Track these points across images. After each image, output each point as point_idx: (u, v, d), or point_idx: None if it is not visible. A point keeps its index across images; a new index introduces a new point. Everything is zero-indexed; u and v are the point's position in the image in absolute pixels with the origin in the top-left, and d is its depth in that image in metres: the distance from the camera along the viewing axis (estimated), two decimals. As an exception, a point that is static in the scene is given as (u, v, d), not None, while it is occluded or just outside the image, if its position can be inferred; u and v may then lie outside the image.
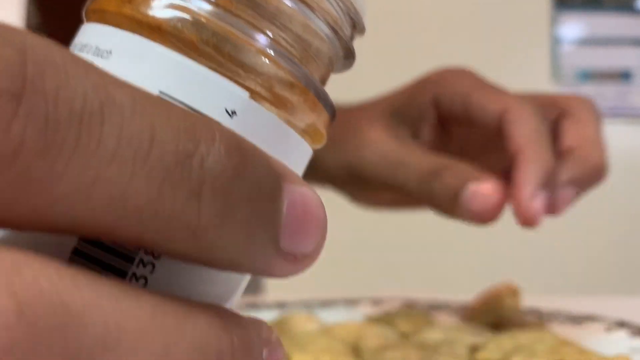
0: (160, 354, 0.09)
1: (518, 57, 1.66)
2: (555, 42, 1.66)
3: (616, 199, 1.65)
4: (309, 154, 0.14)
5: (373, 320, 0.41)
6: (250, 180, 0.10)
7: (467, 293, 0.51)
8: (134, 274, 0.11)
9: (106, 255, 0.11)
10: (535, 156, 0.32)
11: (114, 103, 0.09)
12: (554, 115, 0.37)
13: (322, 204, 0.11)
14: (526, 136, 0.33)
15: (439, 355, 0.33)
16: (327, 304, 0.46)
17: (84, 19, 0.13)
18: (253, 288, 0.32)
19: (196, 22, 0.12)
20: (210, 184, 0.10)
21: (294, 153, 0.13)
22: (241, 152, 0.10)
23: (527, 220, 0.32)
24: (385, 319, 0.41)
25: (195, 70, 0.12)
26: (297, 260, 0.11)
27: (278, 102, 0.12)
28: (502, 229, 1.57)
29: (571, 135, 0.35)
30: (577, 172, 0.34)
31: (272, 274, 0.11)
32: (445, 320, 0.43)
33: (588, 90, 1.65)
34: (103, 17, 0.12)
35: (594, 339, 0.37)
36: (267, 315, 0.44)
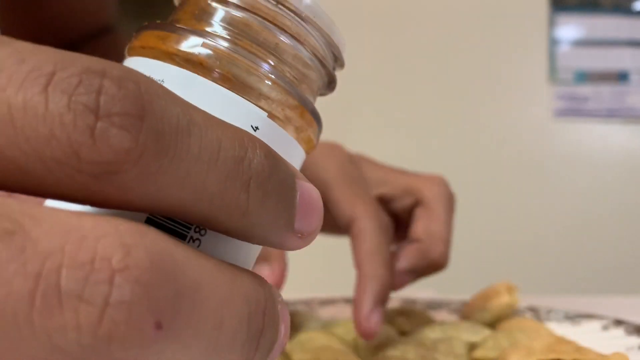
0: (224, 300, 0.12)
1: (516, 59, 1.66)
2: (552, 43, 1.67)
3: (613, 198, 1.65)
4: (304, 157, 0.18)
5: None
6: (279, 177, 0.14)
7: (466, 292, 0.51)
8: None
9: (168, 228, 0.14)
10: (373, 273, 0.34)
11: (195, 122, 0.12)
12: (410, 201, 0.40)
13: (320, 196, 0.15)
14: (366, 253, 0.35)
15: (437, 353, 0.33)
16: (327, 303, 0.47)
17: (127, 54, 0.16)
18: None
19: (226, 58, 0.15)
20: (255, 179, 0.13)
21: (295, 157, 0.17)
22: (273, 157, 0.14)
23: (365, 335, 0.34)
24: (385, 318, 0.41)
25: (227, 96, 0.15)
26: (304, 237, 0.15)
27: (286, 120, 0.16)
28: (501, 228, 1.57)
29: (419, 227, 0.38)
30: (415, 263, 0.37)
31: (287, 247, 0.15)
32: (444, 319, 0.44)
33: (585, 91, 1.66)
34: (150, 53, 0.16)
35: (591, 337, 0.37)
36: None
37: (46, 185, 0.11)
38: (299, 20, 0.16)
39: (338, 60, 0.18)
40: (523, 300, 0.44)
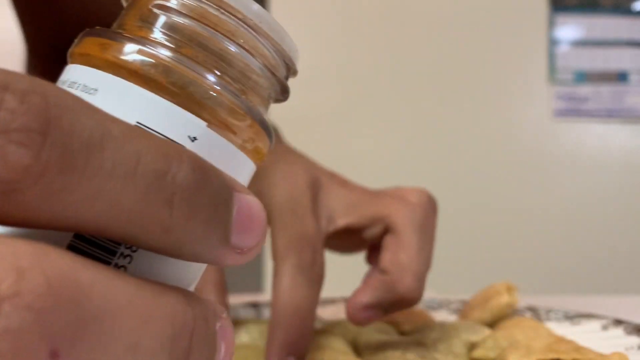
0: (141, 322, 0.12)
1: (515, 59, 1.66)
2: (552, 43, 1.67)
3: (612, 198, 1.65)
4: (253, 169, 0.17)
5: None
6: (209, 191, 0.13)
7: (465, 292, 0.51)
8: (116, 264, 0.13)
9: (94, 249, 0.13)
10: (279, 320, 0.32)
11: (110, 135, 0.12)
12: (379, 229, 0.35)
13: (263, 209, 0.15)
14: (277, 299, 0.32)
15: (437, 353, 0.33)
16: (327, 302, 0.47)
17: (69, 59, 0.16)
18: (254, 287, 0.34)
19: (164, 67, 0.15)
20: (179, 194, 0.13)
21: (241, 169, 0.16)
22: (202, 170, 0.13)
23: None
24: (384, 317, 0.41)
25: (164, 105, 0.15)
26: (243, 253, 0.14)
27: (228, 129, 0.15)
28: (501, 229, 1.58)
29: (386, 258, 0.34)
30: (379, 297, 0.33)
31: (224, 263, 0.14)
32: (444, 318, 0.44)
33: (585, 91, 1.66)
34: (88, 60, 0.15)
35: (591, 336, 0.37)
36: (268, 314, 0.44)
37: None
38: (246, 27, 0.16)
39: (291, 69, 0.18)
40: (522, 300, 0.44)
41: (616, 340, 0.36)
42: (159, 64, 0.15)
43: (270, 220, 0.34)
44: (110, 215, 0.12)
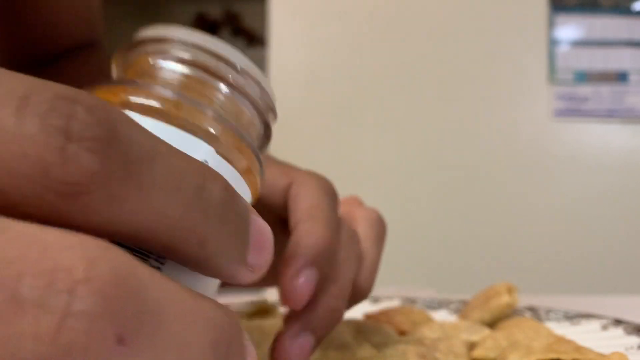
0: (190, 322, 0.12)
1: (515, 59, 1.66)
2: (552, 43, 1.67)
3: (612, 198, 1.65)
4: (250, 199, 0.19)
5: (372, 318, 0.41)
6: (234, 209, 0.15)
7: (466, 292, 0.51)
8: None
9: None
10: (309, 230, 0.26)
11: (159, 151, 0.13)
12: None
13: (272, 233, 0.16)
14: (301, 212, 0.28)
15: (437, 353, 0.33)
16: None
17: None
18: (255, 288, 0.31)
19: (179, 106, 0.17)
20: (213, 209, 0.14)
21: (244, 194, 0.18)
22: (229, 190, 0.15)
23: (285, 300, 0.25)
24: (384, 317, 0.41)
25: (181, 135, 0.17)
26: (254, 271, 0.15)
27: (233, 158, 0.17)
28: (501, 229, 1.57)
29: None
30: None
31: (238, 280, 0.15)
32: (444, 318, 0.44)
33: (585, 91, 1.66)
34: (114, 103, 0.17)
35: (591, 336, 0.37)
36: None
37: (13, 202, 0.12)
38: (236, 73, 0.18)
39: (272, 111, 0.20)
40: (522, 300, 0.44)
41: (616, 340, 0.36)
42: (170, 101, 0.17)
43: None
44: (157, 224, 0.13)
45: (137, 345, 0.11)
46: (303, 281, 0.25)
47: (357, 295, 0.30)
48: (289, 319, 0.26)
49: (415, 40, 1.66)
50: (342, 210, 0.32)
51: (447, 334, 0.37)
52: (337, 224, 0.28)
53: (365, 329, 0.37)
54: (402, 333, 0.39)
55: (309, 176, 0.30)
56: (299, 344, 0.25)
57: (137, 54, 0.18)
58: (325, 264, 0.26)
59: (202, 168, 0.14)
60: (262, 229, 0.15)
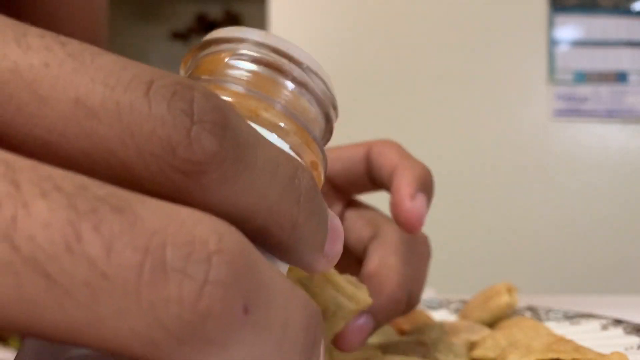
0: (287, 304, 0.13)
1: (515, 59, 1.67)
2: (551, 43, 1.67)
3: (612, 198, 1.66)
4: None
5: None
6: (318, 199, 0.15)
7: (466, 292, 0.52)
8: None
9: None
10: (413, 165, 0.31)
11: (260, 138, 0.14)
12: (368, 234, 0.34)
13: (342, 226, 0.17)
14: (399, 157, 0.32)
15: (437, 352, 0.33)
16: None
17: None
18: None
19: (247, 99, 0.17)
20: (304, 196, 0.15)
21: None
22: (314, 180, 0.15)
23: (408, 224, 0.29)
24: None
25: (257, 129, 0.17)
26: (328, 260, 0.16)
27: (301, 151, 0.18)
28: (500, 229, 1.58)
29: (374, 259, 0.31)
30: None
31: (315, 267, 0.16)
32: (444, 318, 0.44)
33: (584, 91, 1.66)
34: None
35: (590, 336, 0.37)
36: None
37: (139, 178, 0.12)
38: (302, 70, 0.19)
39: (335, 109, 0.21)
40: (522, 300, 0.44)
41: (616, 340, 0.36)
42: (240, 96, 0.17)
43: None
44: (257, 206, 0.14)
45: (257, 315, 0.12)
46: (419, 205, 0.29)
47: (410, 303, 0.32)
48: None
49: (415, 40, 1.66)
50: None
51: (447, 333, 0.37)
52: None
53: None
54: (402, 333, 0.39)
55: (412, 164, 0.32)
56: (358, 325, 0.29)
57: (208, 54, 0.19)
58: (429, 190, 0.30)
59: (293, 159, 0.15)
60: (336, 221, 0.16)
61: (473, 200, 1.64)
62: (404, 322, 0.40)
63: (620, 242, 1.64)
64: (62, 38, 0.13)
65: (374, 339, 0.36)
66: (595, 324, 0.39)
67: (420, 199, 0.30)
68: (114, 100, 0.12)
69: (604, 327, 0.38)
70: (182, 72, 0.20)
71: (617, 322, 0.38)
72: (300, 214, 0.14)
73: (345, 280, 0.22)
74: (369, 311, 0.30)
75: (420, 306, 0.46)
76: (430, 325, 0.39)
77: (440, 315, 0.45)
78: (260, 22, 2.15)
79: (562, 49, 1.67)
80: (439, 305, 0.47)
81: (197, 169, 0.12)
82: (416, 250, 0.34)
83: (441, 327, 0.38)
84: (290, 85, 0.19)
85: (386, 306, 0.30)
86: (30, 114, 0.12)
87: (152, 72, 0.13)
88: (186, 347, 0.11)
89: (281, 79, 0.18)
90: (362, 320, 0.29)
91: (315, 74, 0.19)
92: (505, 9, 1.66)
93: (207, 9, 3.38)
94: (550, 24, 1.67)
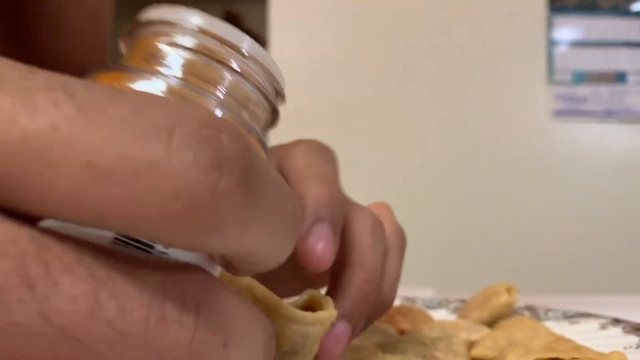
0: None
1: (514, 60, 1.67)
2: (551, 44, 1.67)
3: (611, 199, 1.66)
4: None
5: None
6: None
7: (465, 292, 0.52)
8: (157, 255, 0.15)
9: (137, 244, 0.14)
10: (307, 188, 0.26)
11: (270, 175, 0.14)
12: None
13: None
14: (296, 171, 0.29)
15: (436, 352, 0.33)
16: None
17: None
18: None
19: (180, 94, 0.17)
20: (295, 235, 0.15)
21: None
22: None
23: (310, 263, 0.24)
24: (384, 317, 0.41)
25: None
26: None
27: None
28: (500, 229, 1.57)
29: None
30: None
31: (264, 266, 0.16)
32: (443, 318, 0.44)
33: (583, 91, 1.66)
34: None
35: (589, 336, 0.37)
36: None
37: (155, 232, 0.12)
38: (242, 58, 0.18)
39: (280, 95, 0.20)
40: (521, 300, 0.44)
41: (615, 339, 0.36)
42: (172, 91, 0.17)
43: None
44: (258, 249, 0.14)
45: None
46: (314, 237, 0.24)
47: (380, 306, 0.29)
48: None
49: (414, 41, 1.67)
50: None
51: (446, 333, 0.37)
52: (335, 178, 0.28)
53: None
54: (402, 333, 0.40)
55: (300, 143, 0.31)
56: (334, 335, 0.25)
57: (145, 35, 0.18)
58: (332, 214, 0.25)
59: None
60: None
61: (472, 200, 1.64)
62: (404, 322, 0.40)
63: (619, 242, 1.64)
64: (70, 86, 0.12)
65: (374, 339, 0.36)
66: (594, 324, 0.39)
67: (316, 232, 0.24)
68: (130, 159, 0.11)
69: (603, 327, 0.38)
70: (122, 48, 0.19)
71: (616, 321, 0.38)
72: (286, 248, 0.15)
73: (299, 310, 0.20)
74: (341, 316, 0.25)
75: (420, 306, 0.46)
76: (430, 325, 0.39)
77: (439, 315, 0.45)
78: (260, 22, 2.15)
79: (561, 49, 1.67)
80: (439, 304, 0.47)
81: (218, 225, 0.12)
82: (383, 239, 0.29)
83: (441, 326, 0.38)
84: (228, 73, 0.18)
85: (355, 304, 0.26)
86: (42, 184, 0.11)
87: (172, 115, 0.12)
88: None
89: (219, 67, 0.18)
90: (338, 330, 0.25)
91: (256, 60, 0.18)
92: (505, 10, 1.66)
93: (207, 9, 3.37)
94: (550, 25, 1.67)
